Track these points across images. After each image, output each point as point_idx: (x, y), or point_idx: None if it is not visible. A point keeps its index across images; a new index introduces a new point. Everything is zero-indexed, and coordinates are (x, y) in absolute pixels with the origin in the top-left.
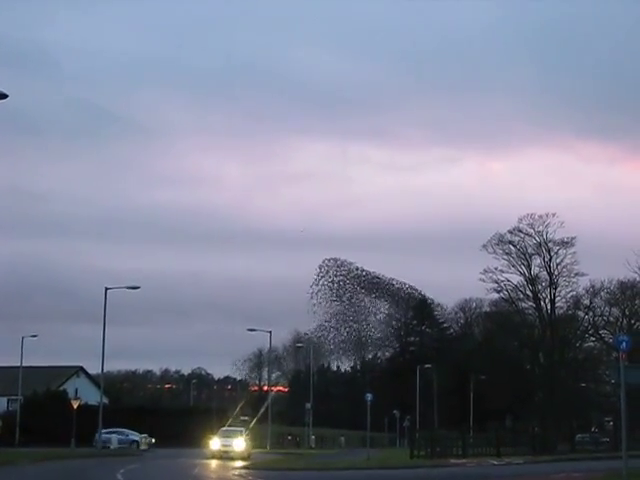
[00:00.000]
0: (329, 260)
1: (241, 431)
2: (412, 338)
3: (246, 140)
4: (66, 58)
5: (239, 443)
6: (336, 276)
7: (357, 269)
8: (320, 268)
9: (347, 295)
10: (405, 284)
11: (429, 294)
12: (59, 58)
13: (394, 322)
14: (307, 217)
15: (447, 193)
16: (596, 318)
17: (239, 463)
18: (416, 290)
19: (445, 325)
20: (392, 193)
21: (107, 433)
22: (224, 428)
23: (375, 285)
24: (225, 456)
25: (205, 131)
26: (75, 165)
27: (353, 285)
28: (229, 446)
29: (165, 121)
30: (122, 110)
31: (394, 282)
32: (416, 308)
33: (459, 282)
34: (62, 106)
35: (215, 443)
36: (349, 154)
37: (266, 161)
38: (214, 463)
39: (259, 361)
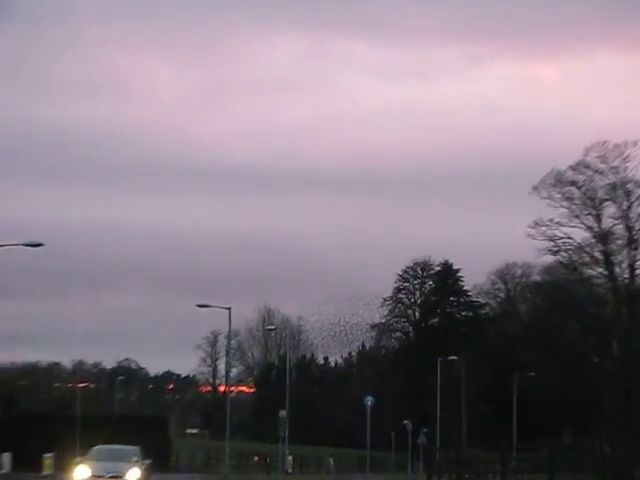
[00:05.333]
0: None
1: (135, 452)
2: (431, 319)
3: (183, 34)
4: None
5: (134, 474)
6: None
7: None
8: None
9: None
10: None
11: (453, 257)
12: None
13: (404, 296)
14: (273, 143)
15: (470, 109)
16: None
17: None
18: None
19: (477, 301)
20: (392, 109)
21: None
22: (100, 447)
23: None
24: None
25: (123, 20)
26: None
27: None
28: (116, 478)
29: (67, 6)
30: None
31: None
32: (436, 277)
33: (496, 240)
34: None
35: (82, 471)
36: (331, 53)
37: (212, 63)
38: None
39: (214, 350)
